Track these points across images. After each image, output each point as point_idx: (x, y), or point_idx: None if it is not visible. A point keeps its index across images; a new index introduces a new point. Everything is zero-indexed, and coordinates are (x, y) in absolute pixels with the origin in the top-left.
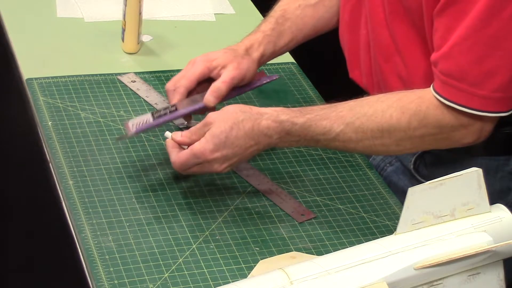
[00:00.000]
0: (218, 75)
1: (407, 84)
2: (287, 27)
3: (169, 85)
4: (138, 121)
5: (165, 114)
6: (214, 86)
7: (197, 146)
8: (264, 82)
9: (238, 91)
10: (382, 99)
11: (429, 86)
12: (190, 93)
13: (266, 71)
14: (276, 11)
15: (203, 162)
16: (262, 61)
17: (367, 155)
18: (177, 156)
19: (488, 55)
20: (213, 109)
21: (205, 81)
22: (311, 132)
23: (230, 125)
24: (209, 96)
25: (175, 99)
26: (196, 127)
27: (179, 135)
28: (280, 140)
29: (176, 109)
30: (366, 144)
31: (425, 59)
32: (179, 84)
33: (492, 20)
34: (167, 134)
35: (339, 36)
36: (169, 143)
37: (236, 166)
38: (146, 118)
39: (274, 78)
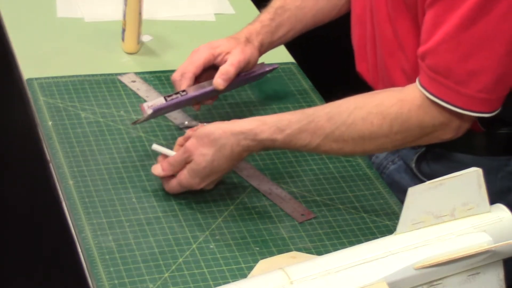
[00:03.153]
0: (223, 61)
1: (411, 79)
2: (286, 18)
3: (176, 75)
4: (152, 104)
5: (177, 97)
6: (223, 69)
7: (183, 181)
8: (267, 69)
9: (243, 80)
10: (361, 105)
11: None
12: (196, 81)
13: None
14: (276, 1)
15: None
16: (262, 50)
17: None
18: (169, 187)
19: (473, 54)
20: (222, 91)
21: (209, 69)
22: (293, 146)
23: (211, 157)
24: (218, 79)
25: (184, 85)
26: (175, 158)
27: (160, 171)
28: (264, 151)
29: (186, 93)
30: (347, 150)
31: None
32: (185, 71)
33: (480, 20)
34: (154, 146)
35: (351, 29)
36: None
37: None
38: (160, 101)
39: (275, 67)
